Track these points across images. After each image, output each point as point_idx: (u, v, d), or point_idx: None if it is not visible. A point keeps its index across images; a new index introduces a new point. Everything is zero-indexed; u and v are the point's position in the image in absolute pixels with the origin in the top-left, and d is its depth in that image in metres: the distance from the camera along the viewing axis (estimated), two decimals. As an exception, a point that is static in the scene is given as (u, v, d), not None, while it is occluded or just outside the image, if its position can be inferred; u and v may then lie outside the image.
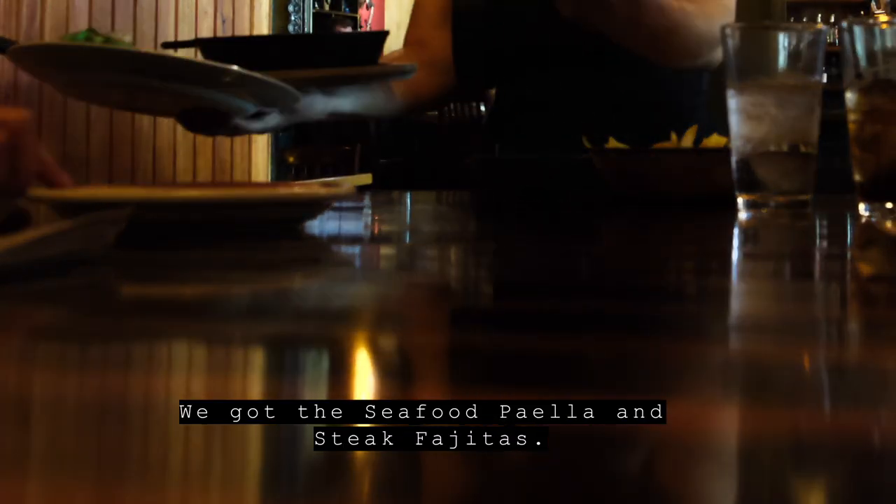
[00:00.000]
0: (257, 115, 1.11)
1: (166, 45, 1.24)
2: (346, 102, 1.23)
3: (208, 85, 0.98)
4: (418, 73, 1.32)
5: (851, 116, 0.70)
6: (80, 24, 1.62)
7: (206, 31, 2.03)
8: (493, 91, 1.46)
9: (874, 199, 0.67)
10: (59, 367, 0.33)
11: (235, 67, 0.97)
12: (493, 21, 1.31)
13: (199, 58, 1.10)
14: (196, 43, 1.20)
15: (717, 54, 1.18)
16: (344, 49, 1.14)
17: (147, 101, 1.08)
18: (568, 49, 1.25)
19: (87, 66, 0.97)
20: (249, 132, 1.15)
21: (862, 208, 0.68)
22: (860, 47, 0.69)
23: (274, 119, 1.15)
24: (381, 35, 1.20)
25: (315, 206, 0.73)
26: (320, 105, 1.19)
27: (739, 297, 0.48)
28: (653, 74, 1.25)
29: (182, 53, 1.06)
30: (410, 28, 1.45)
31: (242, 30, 2.14)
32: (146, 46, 1.82)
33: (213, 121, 1.07)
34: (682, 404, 0.27)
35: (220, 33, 2.08)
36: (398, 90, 1.31)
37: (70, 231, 0.51)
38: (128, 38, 1.04)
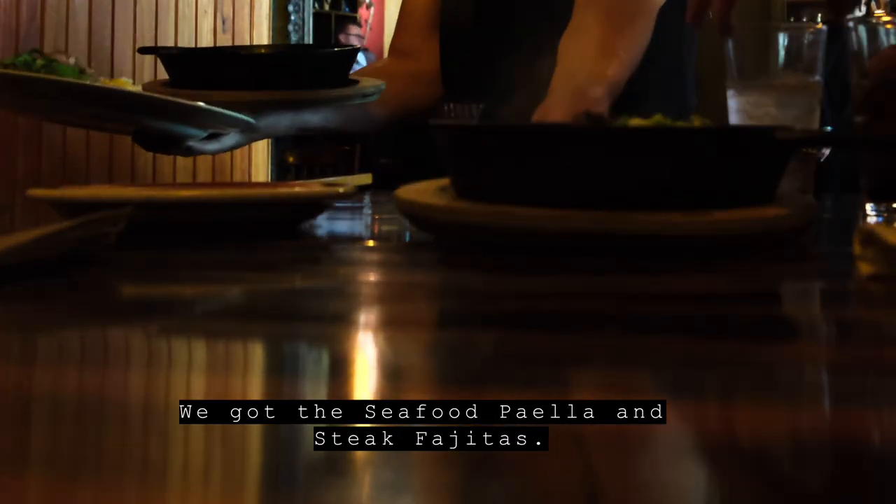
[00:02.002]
0: (213, 136, 1.11)
1: (142, 51, 1.23)
2: (314, 118, 1.21)
3: (153, 116, 0.99)
4: (406, 83, 1.32)
5: (857, 117, 0.70)
6: (80, 24, 1.62)
7: (205, 32, 2.04)
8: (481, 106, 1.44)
9: (881, 200, 0.67)
10: (58, 367, 0.33)
11: (177, 100, 0.97)
12: (479, 39, 1.29)
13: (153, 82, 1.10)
14: (156, 51, 1.19)
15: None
16: (310, 68, 1.11)
17: (98, 123, 1.08)
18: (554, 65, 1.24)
19: (28, 92, 0.96)
20: (204, 153, 1.15)
21: (869, 208, 0.68)
22: (865, 46, 0.69)
23: (231, 139, 1.15)
24: (352, 52, 1.18)
25: (315, 206, 0.73)
26: (286, 121, 1.17)
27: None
28: (644, 89, 1.23)
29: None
30: (397, 35, 1.42)
31: (242, 30, 2.14)
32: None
33: (166, 143, 1.08)
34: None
35: (219, 34, 2.08)
36: (384, 101, 1.27)
37: (70, 231, 0.51)
38: (72, 61, 1.04)
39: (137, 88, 1.05)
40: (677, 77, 1.32)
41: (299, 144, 4.01)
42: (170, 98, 0.98)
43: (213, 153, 1.17)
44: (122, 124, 1.04)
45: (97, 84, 0.99)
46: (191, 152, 1.12)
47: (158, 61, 1.36)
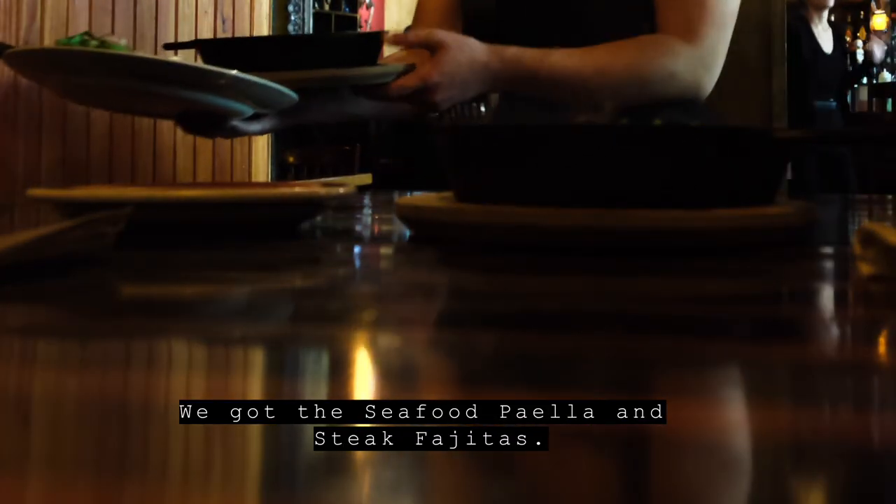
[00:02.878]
0: (255, 117, 1.13)
1: (167, 47, 1.25)
2: (356, 106, 1.24)
3: (204, 88, 0.99)
4: None
5: None
6: (81, 24, 1.62)
7: (206, 31, 2.03)
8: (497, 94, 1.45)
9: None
10: (58, 367, 0.33)
11: (231, 71, 0.97)
12: (502, 27, 1.30)
13: (199, 60, 1.11)
14: (195, 44, 1.20)
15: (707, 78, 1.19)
16: (342, 50, 1.13)
17: (144, 104, 1.09)
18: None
19: (83, 70, 0.97)
20: (247, 134, 1.16)
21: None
22: None
23: (272, 121, 1.17)
24: (379, 35, 1.20)
25: (315, 206, 0.73)
26: (331, 107, 1.21)
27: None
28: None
29: (183, 55, 1.06)
30: (414, 29, 1.45)
31: (242, 30, 2.14)
32: (146, 47, 1.81)
33: (210, 123, 1.09)
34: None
35: (220, 33, 2.08)
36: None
37: (70, 231, 0.51)
38: (123, 42, 1.06)
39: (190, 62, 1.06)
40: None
41: (299, 144, 4.01)
42: (219, 69, 0.98)
43: (257, 134, 1.18)
44: (170, 103, 1.04)
45: (154, 56, 1.00)
46: (235, 133, 1.12)
47: None
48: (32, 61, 1.03)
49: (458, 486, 0.21)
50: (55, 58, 0.99)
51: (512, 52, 1.14)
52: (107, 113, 1.69)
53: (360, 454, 0.23)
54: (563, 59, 1.15)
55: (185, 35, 1.95)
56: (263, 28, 2.24)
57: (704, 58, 1.20)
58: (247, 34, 2.15)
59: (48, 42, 1.58)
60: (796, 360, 0.34)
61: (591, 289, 0.50)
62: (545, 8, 1.27)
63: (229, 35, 2.10)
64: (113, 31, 1.70)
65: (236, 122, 1.10)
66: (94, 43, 1.06)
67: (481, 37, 1.21)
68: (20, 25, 1.55)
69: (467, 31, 1.36)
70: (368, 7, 6.44)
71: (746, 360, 0.34)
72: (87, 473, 0.22)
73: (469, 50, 1.12)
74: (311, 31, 5.22)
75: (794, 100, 3.51)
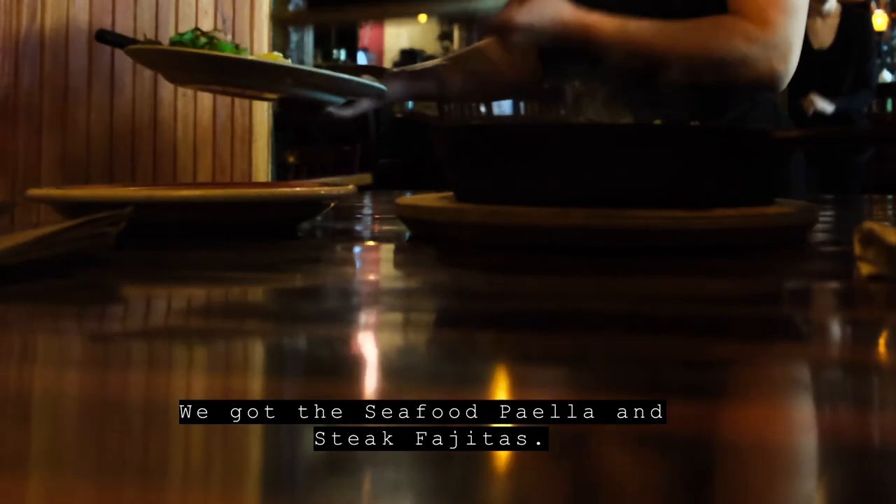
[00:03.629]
0: (349, 103, 1.25)
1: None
2: (431, 85, 1.34)
3: (302, 86, 1.13)
4: (506, 59, 1.41)
5: None
6: (81, 24, 1.62)
7: (205, 31, 2.03)
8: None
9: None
10: (58, 367, 0.33)
11: (324, 70, 1.13)
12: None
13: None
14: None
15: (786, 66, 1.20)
16: None
17: (251, 92, 1.24)
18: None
19: (192, 67, 1.10)
20: (342, 118, 1.27)
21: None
22: None
23: (365, 104, 1.28)
24: None
25: (315, 205, 0.73)
26: (411, 89, 1.32)
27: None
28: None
29: None
30: None
31: (243, 30, 2.14)
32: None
33: (308, 109, 1.22)
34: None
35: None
36: (483, 73, 1.41)
37: (70, 231, 0.51)
38: (228, 38, 1.14)
39: (288, 62, 1.18)
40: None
41: (299, 144, 4.01)
42: (316, 70, 1.15)
43: (349, 118, 1.29)
44: (269, 92, 1.20)
45: (256, 59, 1.13)
46: (330, 117, 1.25)
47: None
48: (148, 57, 1.16)
49: (458, 487, 0.21)
50: (168, 56, 1.11)
51: (593, 18, 1.17)
52: (107, 113, 1.70)
53: (360, 454, 0.23)
54: (640, 31, 1.18)
55: (186, 35, 1.95)
56: (264, 28, 2.24)
57: (779, 45, 1.20)
58: (247, 34, 2.15)
59: (48, 42, 1.58)
60: (797, 361, 0.34)
61: (591, 289, 0.50)
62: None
63: (229, 36, 2.10)
64: (113, 31, 1.70)
65: (331, 109, 1.22)
66: (203, 40, 1.14)
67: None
68: (20, 25, 1.55)
69: None
70: (368, 7, 6.43)
71: (747, 360, 0.34)
72: (87, 473, 0.22)
73: (554, 4, 1.16)
74: (311, 31, 5.22)
75: (793, 99, 3.50)
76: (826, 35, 3.76)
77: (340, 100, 1.22)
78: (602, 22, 1.17)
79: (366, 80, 1.17)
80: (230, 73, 1.10)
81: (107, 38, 1.36)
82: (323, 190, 0.72)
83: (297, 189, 0.74)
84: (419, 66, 1.39)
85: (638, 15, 1.22)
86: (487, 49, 1.46)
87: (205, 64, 1.09)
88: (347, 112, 1.26)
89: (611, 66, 1.19)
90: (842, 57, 3.70)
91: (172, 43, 1.15)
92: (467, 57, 1.47)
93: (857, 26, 3.88)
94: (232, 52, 1.14)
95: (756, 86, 1.23)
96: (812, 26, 3.65)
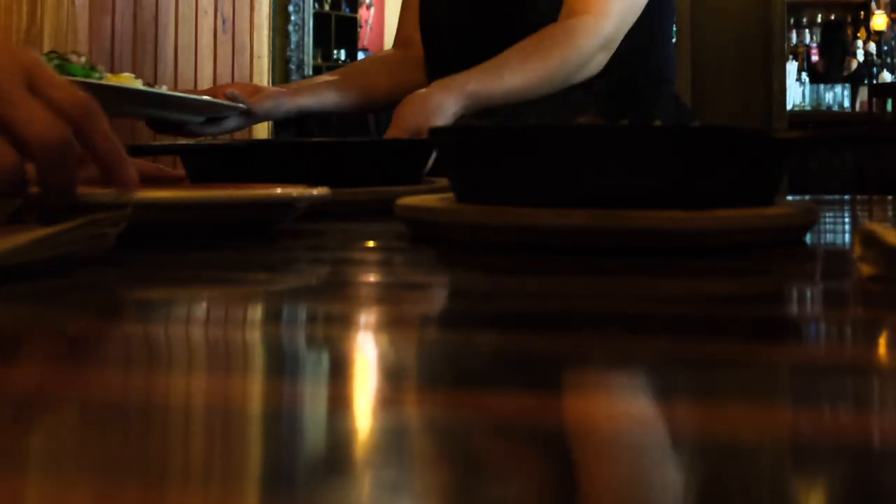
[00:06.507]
0: (213, 120, 1.32)
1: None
2: (310, 101, 1.38)
3: (160, 107, 1.21)
4: (407, 69, 1.43)
5: None
6: (81, 25, 1.62)
7: (206, 31, 2.03)
8: None
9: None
10: (58, 368, 0.33)
11: (175, 93, 1.21)
12: (456, 32, 1.37)
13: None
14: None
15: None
16: None
17: (113, 113, 1.23)
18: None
19: None
20: (206, 135, 1.34)
21: None
22: None
23: (233, 121, 1.34)
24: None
25: (288, 207, 0.70)
26: (286, 106, 1.35)
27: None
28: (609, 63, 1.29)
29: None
30: (398, 30, 1.56)
31: (242, 30, 2.14)
32: (147, 48, 1.81)
33: (171, 125, 1.30)
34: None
35: (219, 33, 2.08)
36: (384, 85, 1.45)
37: (70, 231, 0.51)
38: (82, 60, 1.16)
39: (138, 83, 1.23)
40: (646, 50, 1.38)
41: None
42: (171, 93, 1.21)
43: (216, 134, 1.35)
44: (125, 114, 1.29)
45: (108, 83, 1.15)
46: (194, 135, 1.32)
47: (157, 62, 1.47)
48: None
49: (458, 487, 0.21)
50: None
51: (471, 87, 1.21)
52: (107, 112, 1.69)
53: (360, 454, 0.23)
54: (512, 79, 1.22)
55: (186, 35, 1.95)
56: (263, 28, 2.25)
57: (611, 34, 1.26)
58: (247, 34, 2.15)
59: (48, 43, 1.58)
60: (797, 361, 0.34)
61: (591, 289, 0.50)
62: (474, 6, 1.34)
63: (229, 35, 2.10)
64: (113, 32, 1.70)
65: (192, 127, 1.30)
66: (56, 62, 1.17)
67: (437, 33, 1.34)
68: (20, 26, 1.55)
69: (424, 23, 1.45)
70: (368, 7, 6.44)
71: (747, 360, 0.34)
72: (87, 474, 0.22)
73: (433, 98, 1.19)
74: (311, 31, 5.22)
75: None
76: None
77: (199, 118, 1.29)
78: (478, 86, 1.20)
79: (223, 101, 1.26)
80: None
81: None
82: (295, 191, 0.70)
83: (270, 191, 0.71)
84: (305, 82, 1.49)
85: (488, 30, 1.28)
86: (388, 57, 1.51)
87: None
88: (212, 129, 1.33)
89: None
90: None
91: None
92: (357, 71, 1.52)
93: None
94: (83, 74, 1.16)
95: (582, 77, 1.27)
96: None
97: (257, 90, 1.37)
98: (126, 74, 1.27)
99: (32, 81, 0.55)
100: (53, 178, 0.55)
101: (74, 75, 1.12)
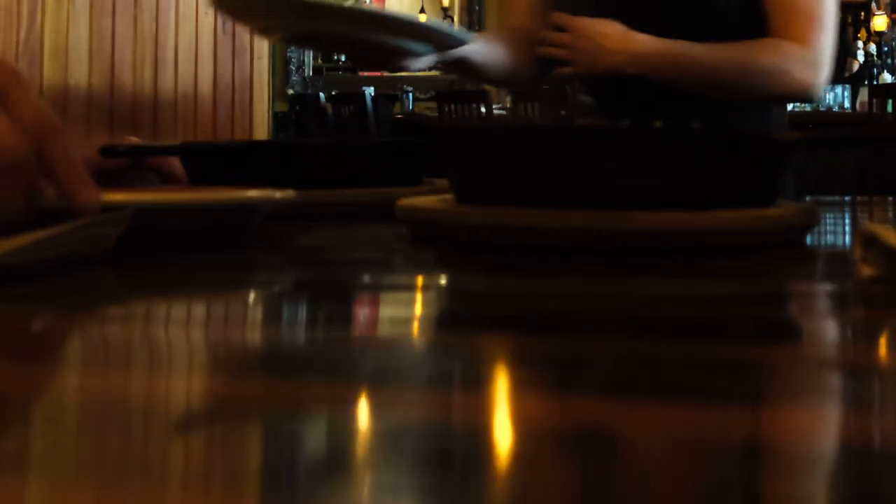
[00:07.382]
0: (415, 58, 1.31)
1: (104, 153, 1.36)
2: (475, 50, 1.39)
3: (394, 34, 1.18)
4: (519, 50, 1.47)
5: None
6: (81, 25, 1.62)
7: (206, 31, 2.03)
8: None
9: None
10: (58, 368, 0.33)
11: (405, 16, 1.23)
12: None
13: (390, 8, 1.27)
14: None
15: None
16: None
17: (330, 43, 1.32)
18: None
19: (277, 13, 1.13)
20: (409, 70, 1.32)
21: None
22: None
23: (429, 59, 1.33)
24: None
25: (252, 211, 0.68)
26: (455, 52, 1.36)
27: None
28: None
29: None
30: (508, 18, 1.58)
31: (243, 31, 2.14)
32: (146, 48, 1.81)
33: (380, 60, 1.27)
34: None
35: (219, 33, 2.08)
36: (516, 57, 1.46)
37: (71, 233, 0.51)
38: None
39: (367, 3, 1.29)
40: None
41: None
42: (398, 14, 1.25)
43: (416, 71, 1.34)
44: (350, 41, 1.22)
45: (336, 4, 1.18)
46: (399, 70, 1.30)
47: (157, 62, 1.42)
48: (233, 4, 1.20)
49: (458, 487, 0.21)
50: (256, 3, 1.14)
51: (639, 46, 1.27)
52: (107, 113, 1.70)
53: (360, 454, 0.23)
54: (705, 54, 1.27)
55: (186, 35, 1.95)
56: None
57: (816, 61, 1.31)
58: (247, 35, 2.15)
59: (48, 44, 1.58)
60: (797, 362, 0.34)
61: (592, 290, 0.50)
62: (647, 16, 1.34)
63: (229, 36, 2.10)
64: (113, 33, 1.70)
65: (401, 62, 1.25)
66: None
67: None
68: (20, 27, 1.55)
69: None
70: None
71: (747, 361, 0.34)
72: (87, 474, 0.22)
73: (619, 31, 1.26)
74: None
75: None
76: None
77: (428, 50, 1.26)
78: (646, 50, 1.26)
79: (455, 32, 1.27)
80: (310, 18, 1.13)
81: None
82: (255, 194, 0.67)
83: (228, 194, 0.68)
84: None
85: (682, 31, 1.30)
86: (491, 41, 1.50)
87: (292, 10, 1.12)
88: (415, 65, 1.30)
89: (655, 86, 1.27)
90: None
91: None
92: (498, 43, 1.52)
93: None
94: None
95: (791, 99, 1.36)
96: None
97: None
98: None
99: (5, 96, 0.55)
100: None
101: None
